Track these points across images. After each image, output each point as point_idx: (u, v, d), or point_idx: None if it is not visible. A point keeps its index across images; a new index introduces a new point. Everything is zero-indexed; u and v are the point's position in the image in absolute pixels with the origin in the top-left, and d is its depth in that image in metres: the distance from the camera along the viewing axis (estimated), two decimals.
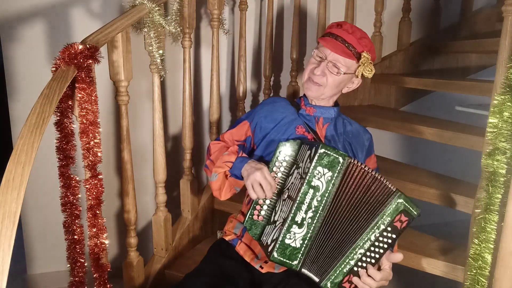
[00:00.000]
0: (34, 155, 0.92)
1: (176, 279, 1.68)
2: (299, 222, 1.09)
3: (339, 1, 2.31)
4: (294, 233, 1.09)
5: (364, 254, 1.08)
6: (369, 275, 1.08)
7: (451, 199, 1.53)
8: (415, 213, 1.08)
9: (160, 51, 1.48)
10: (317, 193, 1.08)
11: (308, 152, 1.11)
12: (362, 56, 1.22)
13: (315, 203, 1.08)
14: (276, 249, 1.09)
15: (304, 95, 1.33)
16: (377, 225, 1.07)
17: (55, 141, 1.18)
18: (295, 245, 1.09)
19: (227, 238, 1.32)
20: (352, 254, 1.09)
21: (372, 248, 1.08)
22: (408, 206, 1.07)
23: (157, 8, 1.42)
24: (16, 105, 1.90)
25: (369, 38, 1.28)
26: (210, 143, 1.38)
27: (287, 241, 1.09)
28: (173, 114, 2.10)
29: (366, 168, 1.08)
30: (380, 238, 1.08)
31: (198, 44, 2.10)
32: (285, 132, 1.28)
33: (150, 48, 1.46)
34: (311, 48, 2.28)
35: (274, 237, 1.11)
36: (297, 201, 1.08)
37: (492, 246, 1.18)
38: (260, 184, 1.11)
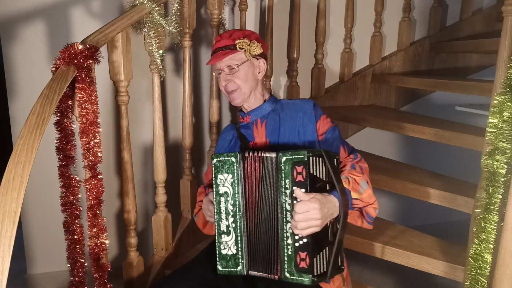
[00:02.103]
0: (34, 155, 0.92)
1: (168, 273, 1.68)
2: (225, 230, 1.12)
3: (339, 1, 2.31)
4: (226, 242, 1.12)
5: None
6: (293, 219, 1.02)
7: (451, 199, 1.53)
8: (302, 156, 1.01)
9: (160, 51, 1.48)
10: (228, 198, 1.11)
11: None
12: (236, 44, 1.28)
13: (230, 207, 1.11)
14: (218, 263, 1.12)
15: (240, 109, 1.41)
16: (283, 192, 1.04)
17: (55, 141, 1.18)
18: (231, 252, 1.11)
19: None
20: (285, 233, 1.04)
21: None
22: (293, 157, 1.02)
23: (157, 8, 1.43)
24: (16, 105, 1.91)
25: (243, 30, 1.37)
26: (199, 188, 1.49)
27: (223, 251, 1.12)
28: (173, 114, 2.11)
29: (257, 154, 1.10)
30: (295, 202, 1.01)
31: (198, 44, 2.10)
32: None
33: (150, 48, 1.46)
34: (310, 48, 2.29)
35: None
36: (216, 212, 1.13)
37: (492, 246, 1.18)
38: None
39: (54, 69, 1.15)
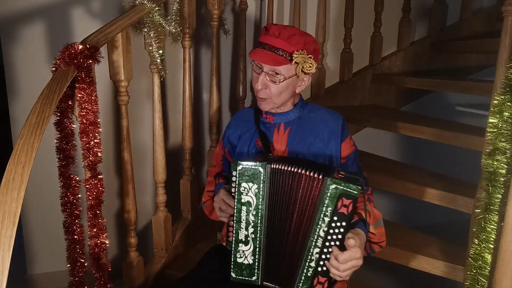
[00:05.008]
0: (34, 155, 0.92)
1: (176, 279, 1.68)
2: (243, 240, 1.09)
3: (339, 1, 2.31)
4: (243, 251, 1.09)
5: (321, 252, 1.03)
6: (335, 258, 1.01)
7: (451, 199, 1.53)
8: (355, 192, 0.98)
9: (160, 51, 1.48)
10: (250, 208, 1.07)
11: None
12: (293, 57, 1.13)
13: (251, 218, 1.08)
14: (232, 270, 1.10)
15: None
16: (321, 218, 1.02)
17: (55, 141, 1.18)
18: (248, 262, 1.09)
19: (224, 244, 1.32)
20: (310, 256, 1.04)
21: (327, 243, 1.02)
22: (345, 188, 0.99)
23: (157, 8, 1.43)
24: (16, 105, 1.90)
25: (302, 32, 1.17)
26: (208, 169, 1.44)
27: (239, 260, 1.10)
28: (173, 114, 2.10)
29: (291, 168, 1.05)
30: (331, 231, 1.01)
31: (198, 44, 2.10)
32: (249, 146, 1.28)
33: (150, 48, 1.46)
34: None
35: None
36: (235, 221, 1.09)
37: (492, 246, 1.18)
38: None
39: (54, 69, 1.15)
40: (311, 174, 1.02)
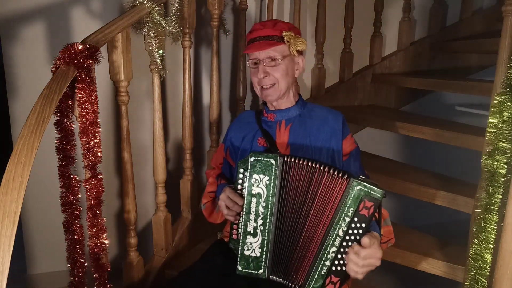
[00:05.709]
0: (34, 155, 0.92)
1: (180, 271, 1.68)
2: (252, 232, 1.09)
3: (339, 1, 2.31)
4: (251, 243, 1.10)
5: (338, 252, 1.04)
6: (355, 253, 1.02)
7: (451, 199, 1.53)
8: (379, 195, 1.00)
9: (160, 51, 1.48)
10: (260, 200, 1.08)
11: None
12: (284, 36, 1.22)
13: (261, 210, 1.09)
14: (238, 263, 1.11)
15: (264, 102, 1.34)
16: (342, 218, 1.02)
17: (55, 141, 1.18)
18: (255, 255, 1.10)
19: (226, 240, 1.32)
20: (326, 255, 1.05)
21: (345, 243, 1.03)
22: (369, 191, 1.00)
23: (157, 8, 1.43)
24: (16, 105, 1.90)
25: (283, 21, 1.29)
26: (206, 172, 1.42)
27: (246, 252, 1.10)
28: (173, 114, 2.10)
29: (307, 162, 1.06)
30: (350, 231, 1.02)
31: (198, 44, 2.10)
32: (251, 145, 1.30)
33: (150, 48, 1.46)
34: (311, 48, 2.28)
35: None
36: (244, 212, 1.10)
37: (492, 246, 1.18)
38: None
39: (54, 69, 1.15)
40: (335, 173, 1.04)
